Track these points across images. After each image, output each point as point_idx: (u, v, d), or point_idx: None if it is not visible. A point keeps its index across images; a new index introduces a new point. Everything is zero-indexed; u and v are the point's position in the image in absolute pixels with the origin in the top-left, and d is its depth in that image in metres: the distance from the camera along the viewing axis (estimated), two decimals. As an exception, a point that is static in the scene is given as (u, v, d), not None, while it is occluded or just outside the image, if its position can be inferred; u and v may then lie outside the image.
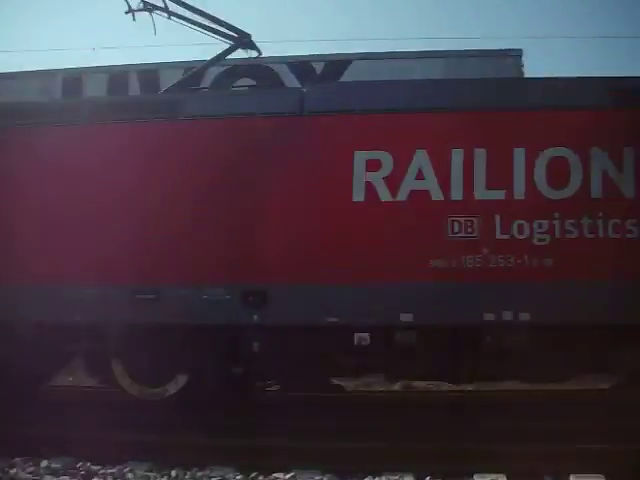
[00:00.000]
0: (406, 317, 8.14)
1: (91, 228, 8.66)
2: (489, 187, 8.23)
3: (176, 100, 9.31)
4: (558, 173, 8.13)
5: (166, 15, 10.37)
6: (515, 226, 8.11)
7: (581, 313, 7.71)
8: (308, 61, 15.75)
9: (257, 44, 10.46)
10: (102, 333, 8.80)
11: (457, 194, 8.27)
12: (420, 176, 8.33)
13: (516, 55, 14.04)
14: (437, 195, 8.29)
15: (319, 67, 15.77)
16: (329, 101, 8.79)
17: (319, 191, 8.45)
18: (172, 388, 9.00)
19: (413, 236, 8.24)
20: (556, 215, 8.07)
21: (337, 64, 15.57)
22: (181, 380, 8.98)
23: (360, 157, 8.42)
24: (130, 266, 8.58)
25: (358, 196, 8.40)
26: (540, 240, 8.07)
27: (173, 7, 10.37)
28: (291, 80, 15.23)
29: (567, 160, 8.14)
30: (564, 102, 8.30)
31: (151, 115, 9.00)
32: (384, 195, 8.36)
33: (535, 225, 8.08)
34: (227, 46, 10.47)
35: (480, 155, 8.22)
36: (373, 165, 8.40)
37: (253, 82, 13.81)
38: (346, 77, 15.12)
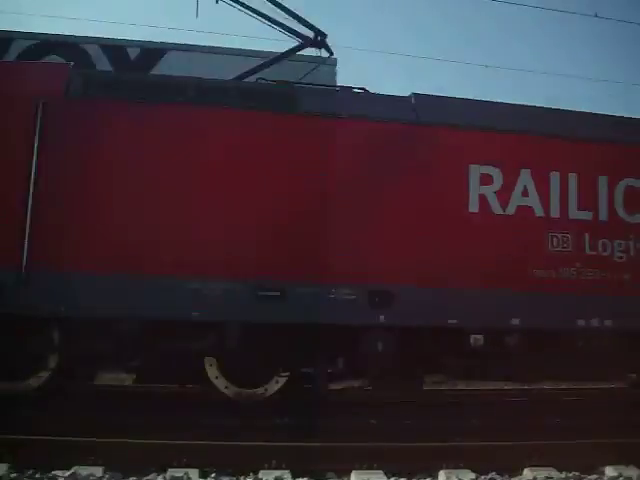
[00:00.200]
0: (515, 321, 8.84)
1: (221, 220, 8.36)
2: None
3: (293, 94, 9.08)
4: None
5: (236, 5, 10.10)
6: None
7: None
8: (123, 46, 15.36)
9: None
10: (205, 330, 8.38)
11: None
12: (525, 193, 9.14)
13: (331, 64, 14.74)
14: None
15: (133, 53, 15.48)
16: (444, 114, 9.25)
17: (438, 199, 8.87)
18: (271, 389, 8.67)
19: (520, 247, 9.02)
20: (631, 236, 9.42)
21: (152, 52, 15.38)
22: (281, 381, 8.70)
23: (474, 171, 9.01)
24: (254, 262, 8.34)
25: (473, 207, 8.96)
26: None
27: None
28: (104, 63, 14.86)
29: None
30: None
31: (270, 106, 8.74)
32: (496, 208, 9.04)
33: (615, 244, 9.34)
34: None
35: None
36: (486, 179, 9.04)
37: (62, 59, 13.10)
38: (160, 67, 15.01)
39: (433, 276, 8.72)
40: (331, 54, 11.11)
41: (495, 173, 9.14)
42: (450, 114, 9.32)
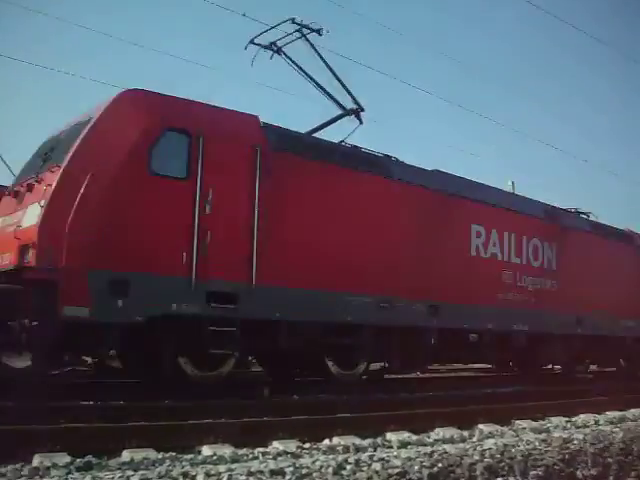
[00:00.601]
0: (490, 325, 14.76)
1: (363, 256, 12.53)
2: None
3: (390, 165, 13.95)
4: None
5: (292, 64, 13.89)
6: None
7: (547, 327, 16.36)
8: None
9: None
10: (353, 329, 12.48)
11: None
12: (494, 245, 15.35)
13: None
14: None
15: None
16: (459, 188, 14.94)
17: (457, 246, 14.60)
18: (358, 371, 12.92)
19: (491, 279, 15.04)
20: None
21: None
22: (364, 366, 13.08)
23: (473, 228, 14.84)
24: (378, 285, 12.68)
25: (472, 252, 14.90)
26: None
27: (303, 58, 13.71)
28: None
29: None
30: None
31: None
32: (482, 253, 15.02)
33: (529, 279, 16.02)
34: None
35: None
36: (478, 234, 14.84)
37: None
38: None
39: (458, 295, 14.06)
40: (361, 123, 14.26)
41: (482, 230, 14.99)
42: (465, 190, 15.02)
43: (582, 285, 17.23)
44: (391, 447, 6.67)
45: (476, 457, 5.87)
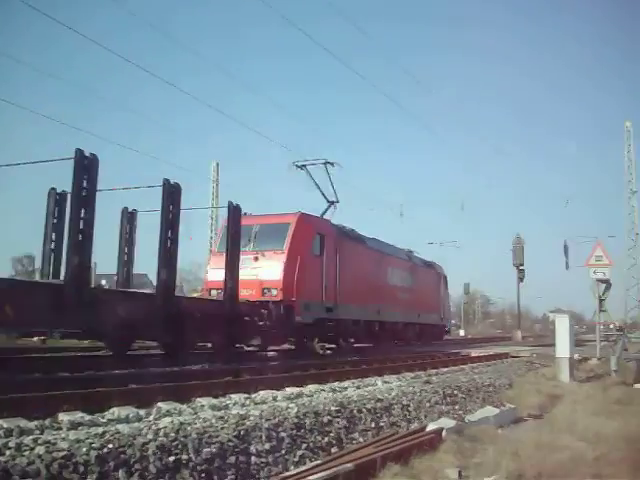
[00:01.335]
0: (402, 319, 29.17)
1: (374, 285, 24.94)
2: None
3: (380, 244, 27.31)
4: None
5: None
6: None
7: (409, 318, 30.16)
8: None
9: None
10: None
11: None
12: (391, 275, 27.95)
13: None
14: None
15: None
16: (381, 247, 27.22)
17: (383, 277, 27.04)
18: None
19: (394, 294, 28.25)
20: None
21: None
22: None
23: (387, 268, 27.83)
24: (376, 299, 24.95)
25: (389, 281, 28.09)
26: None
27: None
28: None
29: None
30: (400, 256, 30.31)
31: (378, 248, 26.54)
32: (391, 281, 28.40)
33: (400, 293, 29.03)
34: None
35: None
36: (391, 271, 28.18)
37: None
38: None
39: (385, 303, 25.89)
40: (336, 209, 24.33)
41: (389, 269, 27.12)
42: (382, 246, 27.21)
43: (418, 294, 30.18)
44: (61, 428, 6.23)
45: (150, 436, 5.69)
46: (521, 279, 48.04)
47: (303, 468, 5.83)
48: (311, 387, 10.79)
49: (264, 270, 18.07)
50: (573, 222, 74.59)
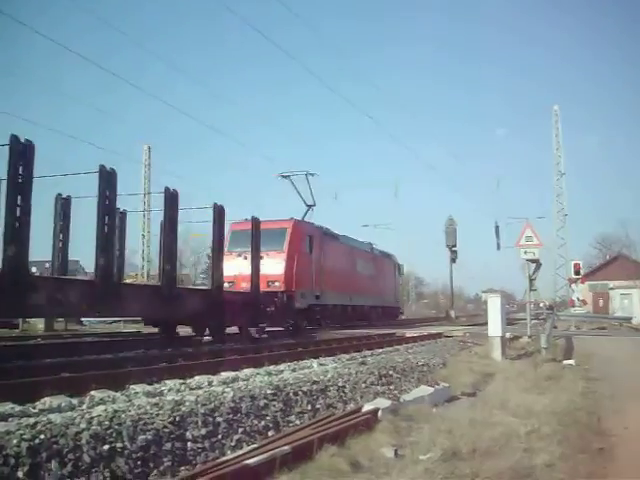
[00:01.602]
0: (367, 303, 36.33)
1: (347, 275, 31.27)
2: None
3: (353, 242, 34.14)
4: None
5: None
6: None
7: (373, 302, 37.17)
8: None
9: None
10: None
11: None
12: (360, 266, 34.56)
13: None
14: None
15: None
16: (350, 242, 33.33)
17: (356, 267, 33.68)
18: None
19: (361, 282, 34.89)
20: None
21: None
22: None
23: (356, 260, 35.03)
24: (349, 287, 31.23)
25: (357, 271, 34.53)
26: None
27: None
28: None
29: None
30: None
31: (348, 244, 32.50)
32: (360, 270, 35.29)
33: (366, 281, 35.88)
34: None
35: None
36: (359, 262, 34.84)
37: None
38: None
39: (355, 291, 32.22)
40: (313, 211, 30.12)
41: (357, 260, 33.45)
42: (350, 241, 33.22)
43: (379, 281, 37.11)
44: (-11, 421, 6.05)
45: (83, 425, 5.59)
46: (454, 260, 49.07)
47: (240, 452, 5.82)
48: (247, 371, 10.77)
49: (268, 267, 22.24)
50: (504, 204, 76.54)
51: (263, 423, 7.32)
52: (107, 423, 5.76)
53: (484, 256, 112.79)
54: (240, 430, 6.90)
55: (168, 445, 5.90)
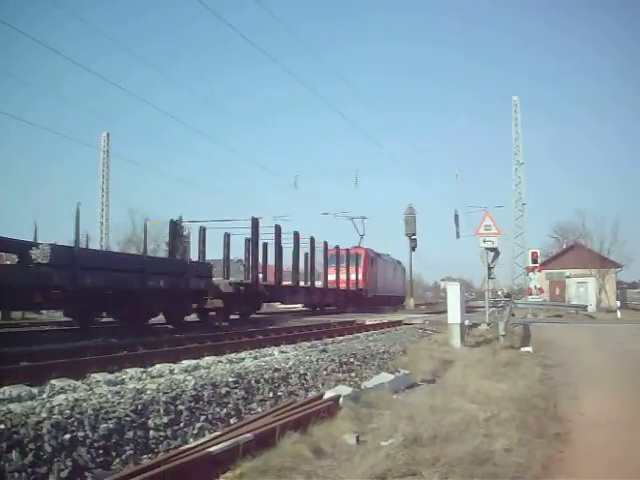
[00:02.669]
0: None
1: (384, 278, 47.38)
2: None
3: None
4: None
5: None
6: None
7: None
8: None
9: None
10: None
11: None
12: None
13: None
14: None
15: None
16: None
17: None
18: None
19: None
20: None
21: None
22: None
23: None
24: (385, 285, 47.40)
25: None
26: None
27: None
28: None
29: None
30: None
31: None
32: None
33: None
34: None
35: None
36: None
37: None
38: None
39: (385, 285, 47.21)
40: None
41: (388, 268, 47.93)
42: (385, 256, 48.48)
43: (395, 280, 50.25)
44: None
45: (44, 415, 5.56)
46: (413, 248, 49.60)
47: (202, 440, 5.83)
48: (208, 359, 10.77)
49: (352, 275, 37.90)
50: (464, 193, 77.33)
51: (225, 411, 7.41)
52: (68, 412, 5.74)
53: (443, 244, 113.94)
54: (202, 418, 6.93)
55: (130, 434, 5.90)
